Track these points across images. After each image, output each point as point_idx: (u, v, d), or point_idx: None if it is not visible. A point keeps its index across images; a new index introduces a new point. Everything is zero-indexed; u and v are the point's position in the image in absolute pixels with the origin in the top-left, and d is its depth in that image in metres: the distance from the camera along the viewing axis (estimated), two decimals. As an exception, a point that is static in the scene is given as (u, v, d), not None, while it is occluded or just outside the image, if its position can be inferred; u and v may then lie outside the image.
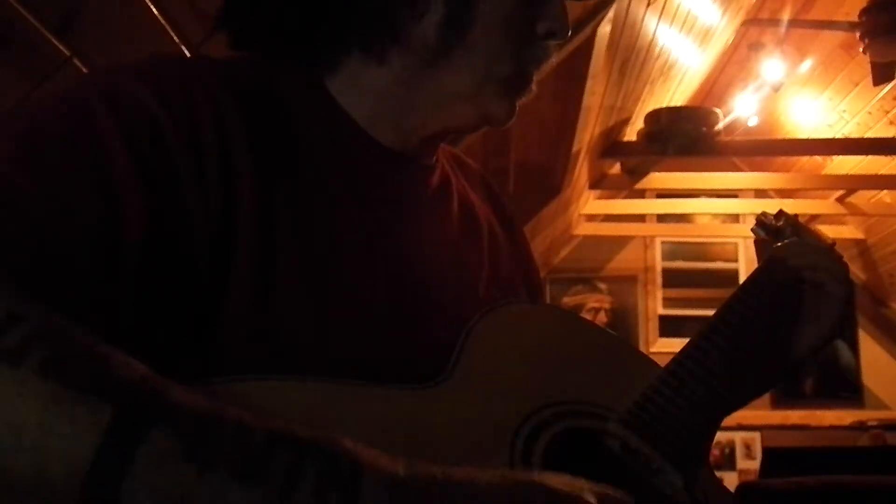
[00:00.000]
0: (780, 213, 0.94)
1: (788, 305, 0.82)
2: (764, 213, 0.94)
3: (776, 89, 4.14)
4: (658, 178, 4.20)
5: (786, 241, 0.88)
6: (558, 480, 0.46)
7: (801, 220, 0.94)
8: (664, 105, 4.07)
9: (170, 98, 0.55)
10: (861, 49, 3.25)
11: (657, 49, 3.10)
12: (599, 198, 4.57)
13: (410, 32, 0.64)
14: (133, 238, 0.50)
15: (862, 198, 4.49)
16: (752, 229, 0.93)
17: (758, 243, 0.93)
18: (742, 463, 4.92)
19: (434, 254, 0.70)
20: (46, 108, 0.54)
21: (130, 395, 0.39)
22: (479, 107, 0.69)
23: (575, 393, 0.64)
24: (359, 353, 0.59)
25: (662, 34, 2.99)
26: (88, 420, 0.37)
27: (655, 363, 0.72)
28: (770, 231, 0.92)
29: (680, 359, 0.69)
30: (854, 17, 3.25)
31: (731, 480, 4.79)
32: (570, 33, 0.71)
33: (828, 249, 0.86)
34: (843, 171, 4.39)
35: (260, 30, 0.66)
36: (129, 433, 0.37)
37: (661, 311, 5.19)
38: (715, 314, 0.76)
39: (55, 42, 0.99)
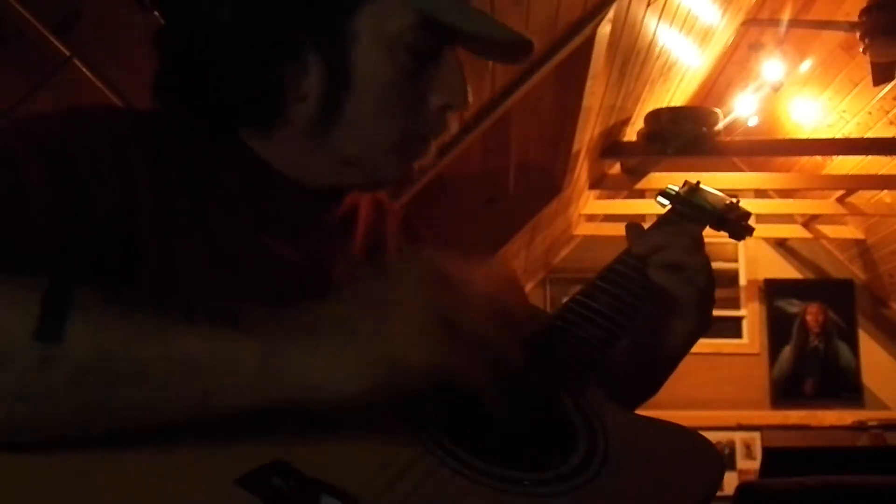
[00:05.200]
0: (685, 182, 0.97)
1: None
2: (670, 185, 0.96)
3: (776, 89, 4.13)
4: (658, 178, 4.20)
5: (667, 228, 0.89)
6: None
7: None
8: (664, 105, 4.07)
9: (76, 137, 0.62)
10: (861, 49, 3.25)
11: (657, 49, 3.10)
12: (599, 198, 4.56)
13: (293, 110, 0.67)
14: (42, 223, 0.57)
15: (862, 198, 4.49)
16: (656, 199, 0.95)
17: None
18: (742, 463, 4.91)
19: (331, 270, 0.74)
20: None
21: (57, 275, 0.48)
22: (368, 172, 0.72)
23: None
24: None
25: (662, 34, 2.99)
26: (31, 288, 0.46)
27: (548, 313, 0.77)
28: (670, 197, 0.94)
29: (569, 303, 0.75)
30: (854, 17, 3.25)
31: (731, 480, 4.79)
32: (469, 103, 0.72)
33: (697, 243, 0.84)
34: (843, 171, 4.39)
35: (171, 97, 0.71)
36: (64, 290, 0.46)
37: (661, 311, 5.18)
38: (608, 264, 0.82)
39: (55, 42, 0.99)
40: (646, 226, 0.86)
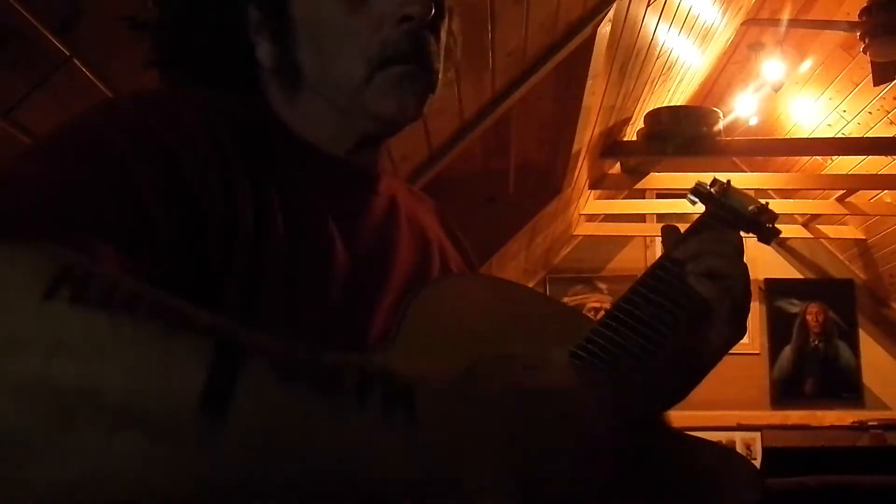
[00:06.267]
0: (714, 180, 0.95)
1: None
2: (699, 182, 0.95)
3: (776, 89, 4.14)
4: (658, 178, 4.20)
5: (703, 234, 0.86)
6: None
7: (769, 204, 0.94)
8: (664, 105, 4.07)
9: (175, 124, 0.62)
10: (861, 49, 3.25)
11: (657, 49, 3.10)
12: (599, 198, 4.56)
13: (273, 82, 0.70)
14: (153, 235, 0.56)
15: (862, 198, 4.49)
16: (686, 198, 0.95)
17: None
18: (742, 463, 4.91)
19: (382, 251, 0.75)
20: (68, 135, 0.60)
21: (222, 330, 0.45)
22: (366, 113, 0.71)
23: (513, 347, 0.68)
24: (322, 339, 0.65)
25: (662, 34, 2.99)
26: (197, 351, 0.43)
27: (590, 319, 0.76)
28: (703, 197, 0.93)
29: (613, 310, 0.74)
30: (854, 17, 3.25)
31: (731, 480, 4.78)
32: (429, 9, 0.69)
33: (736, 248, 0.83)
34: (843, 171, 4.39)
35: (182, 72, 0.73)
36: (230, 358, 0.43)
37: (662, 311, 5.17)
38: (649, 270, 0.80)
39: (55, 42, 0.99)
40: (653, 223, 0.86)
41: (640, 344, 0.71)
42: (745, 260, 0.81)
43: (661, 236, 0.84)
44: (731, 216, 0.90)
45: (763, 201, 0.94)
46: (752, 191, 4.19)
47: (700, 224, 0.89)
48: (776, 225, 0.94)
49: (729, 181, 0.95)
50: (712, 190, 0.94)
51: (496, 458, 0.47)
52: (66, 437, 0.39)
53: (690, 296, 0.77)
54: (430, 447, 0.46)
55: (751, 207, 0.92)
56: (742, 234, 0.89)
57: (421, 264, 0.80)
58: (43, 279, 0.42)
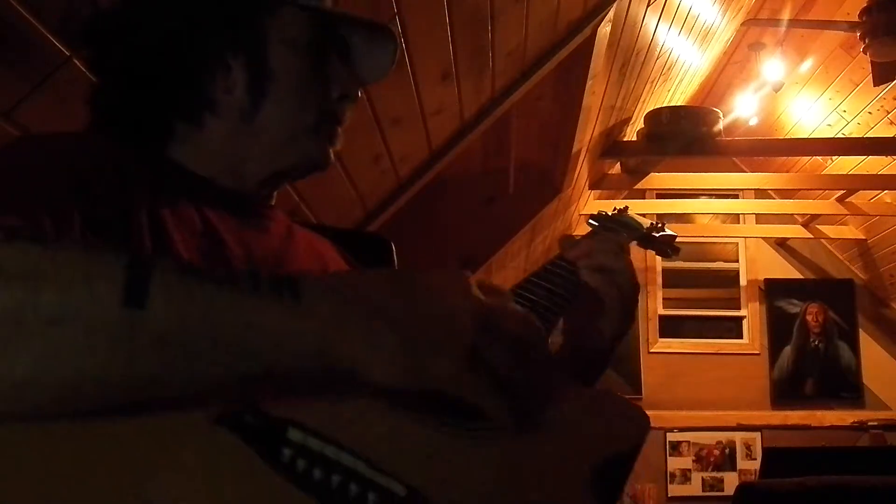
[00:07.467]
0: (615, 208, 1.09)
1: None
2: (600, 210, 1.09)
3: (776, 89, 4.14)
4: (658, 178, 4.20)
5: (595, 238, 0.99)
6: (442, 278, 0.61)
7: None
8: (664, 105, 4.07)
9: (85, 159, 0.69)
10: (861, 49, 3.26)
11: (657, 49, 3.10)
12: (599, 198, 4.56)
13: (223, 103, 0.79)
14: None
15: (862, 198, 4.50)
16: (587, 222, 1.06)
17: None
18: (742, 463, 4.92)
19: (281, 271, 0.80)
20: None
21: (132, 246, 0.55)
22: (299, 150, 0.83)
23: None
24: None
25: (662, 34, 2.99)
26: (115, 260, 0.50)
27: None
28: (599, 219, 1.06)
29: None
30: (854, 17, 3.26)
31: (731, 480, 4.79)
32: (359, 96, 0.86)
33: (621, 249, 0.94)
34: (843, 171, 4.40)
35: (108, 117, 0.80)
36: (144, 261, 0.51)
37: (661, 310, 5.19)
38: (542, 265, 0.89)
39: (55, 42, 0.99)
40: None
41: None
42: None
43: (559, 244, 0.94)
44: (622, 229, 1.03)
45: (660, 223, 1.08)
46: (753, 191, 4.19)
47: (592, 234, 1.01)
48: (676, 245, 1.08)
49: (627, 206, 1.10)
50: (609, 213, 1.06)
51: (378, 329, 0.55)
52: (12, 343, 0.47)
53: (579, 285, 0.88)
54: (316, 320, 0.53)
55: (644, 224, 1.05)
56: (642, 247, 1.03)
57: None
58: None
